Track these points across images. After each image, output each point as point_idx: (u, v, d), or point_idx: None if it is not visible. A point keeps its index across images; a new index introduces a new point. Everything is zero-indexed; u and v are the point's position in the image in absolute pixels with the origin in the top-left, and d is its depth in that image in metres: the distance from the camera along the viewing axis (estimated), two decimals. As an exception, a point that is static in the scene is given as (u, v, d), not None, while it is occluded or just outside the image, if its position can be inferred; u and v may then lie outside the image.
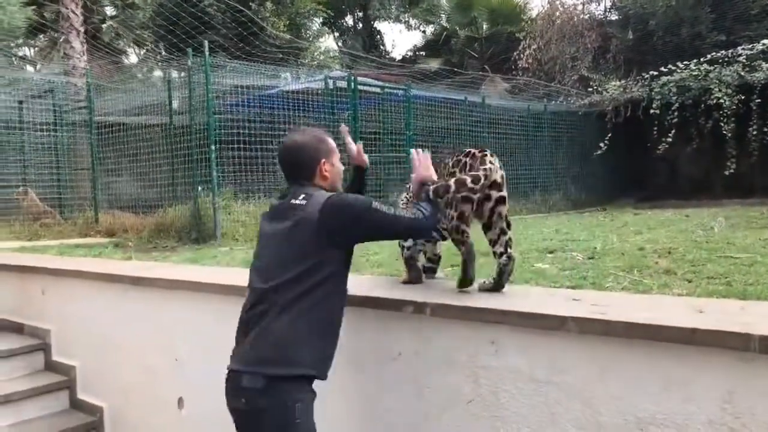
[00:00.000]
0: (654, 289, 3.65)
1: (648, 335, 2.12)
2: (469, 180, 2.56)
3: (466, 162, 2.75)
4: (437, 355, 2.68)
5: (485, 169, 2.61)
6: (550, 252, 5.63)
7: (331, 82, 10.28)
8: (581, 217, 11.15)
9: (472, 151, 2.78)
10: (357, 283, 3.33)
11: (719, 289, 3.53)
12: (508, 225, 2.76)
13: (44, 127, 10.60)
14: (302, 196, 2.45)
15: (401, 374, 2.78)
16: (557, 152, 15.48)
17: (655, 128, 13.73)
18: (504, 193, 2.73)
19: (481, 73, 17.25)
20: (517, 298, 2.71)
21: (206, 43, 8.00)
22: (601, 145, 14.12)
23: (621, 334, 2.18)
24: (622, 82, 15.02)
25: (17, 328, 5.25)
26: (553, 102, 15.81)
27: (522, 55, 17.40)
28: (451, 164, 2.85)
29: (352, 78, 10.12)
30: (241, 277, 3.87)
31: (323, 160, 2.60)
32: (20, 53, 27.01)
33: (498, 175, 2.70)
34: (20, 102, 10.90)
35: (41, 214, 9.60)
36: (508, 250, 2.72)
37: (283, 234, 2.42)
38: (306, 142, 2.62)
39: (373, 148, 11.15)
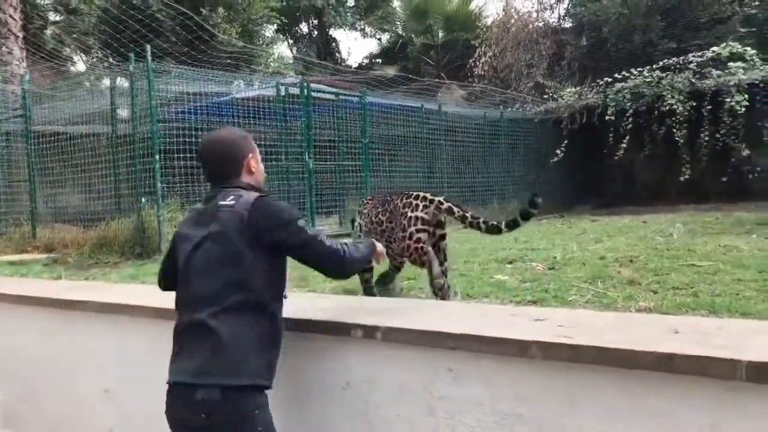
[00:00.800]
0: (619, 302, 3.47)
1: (621, 362, 1.89)
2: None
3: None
4: (390, 384, 2.41)
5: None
6: (510, 262, 5.45)
7: (283, 88, 9.96)
8: (539, 224, 11.06)
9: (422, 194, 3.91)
10: (302, 304, 3.05)
11: (687, 301, 3.37)
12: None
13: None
14: (231, 197, 2.34)
15: (349, 406, 2.50)
16: (514, 159, 15.45)
17: (611, 135, 13.81)
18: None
19: (437, 80, 17.13)
20: (477, 319, 2.46)
21: (149, 48, 7.62)
22: (558, 152, 14.14)
23: (590, 360, 1.95)
24: (578, 88, 15.08)
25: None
26: (510, 109, 15.80)
27: (478, 62, 17.36)
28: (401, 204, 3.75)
29: (305, 84, 9.82)
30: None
31: (250, 155, 2.51)
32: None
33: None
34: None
35: (-28, 230, 9.01)
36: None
37: (213, 238, 2.29)
38: (231, 137, 2.55)
39: (329, 156, 10.86)
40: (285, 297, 2.43)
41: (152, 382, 3.23)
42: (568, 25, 18.93)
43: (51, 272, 6.08)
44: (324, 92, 11.25)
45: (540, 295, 3.74)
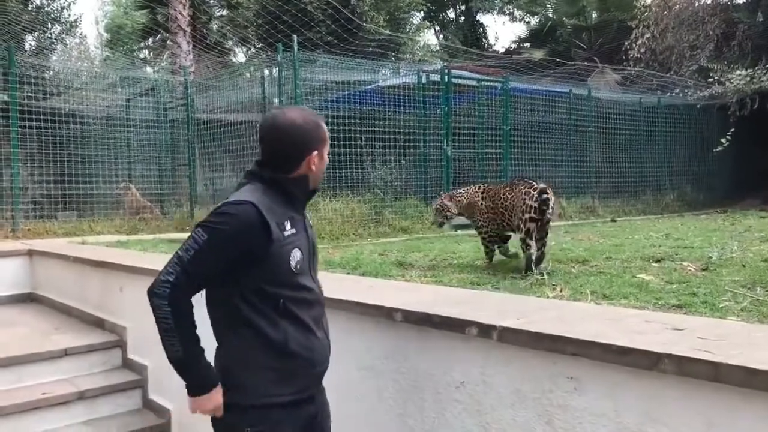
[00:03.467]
0: (782, 312, 3.05)
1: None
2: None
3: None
4: (506, 387, 2.27)
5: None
6: (657, 261, 5.01)
7: (424, 76, 9.92)
8: (697, 219, 10.18)
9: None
10: (420, 296, 2.98)
11: None
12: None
13: (148, 124, 10.95)
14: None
15: (463, 406, 2.39)
16: (672, 149, 14.36)
17: (787, 122, 12.35)
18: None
19: (587, 63, 16.25)
20: (606, 324, 2.25)
21: (295, 38, 7.89)
22: (722, 140, 12.85)
23: (735, 381, 1.70)
24: (749, 71, 13.60)
25: (99, 323, 5.30)
26: (668, 94, 14.65)
27: (634, 45, 16.22)
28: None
29: (446, 71, 9.71)
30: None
31: (315, 152, 2.12)
32: (141, 55, 28.68)
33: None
34: (127, 100, 11.34)
35: (141, 209, 9.90)
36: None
37: None
38: (301, 123, 2.10)
39: (469, 144, 10.70)
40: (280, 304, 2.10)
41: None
42: (740, 0, 17.13)
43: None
44: (465, 78, 11.06)
45: (686, 299, 3.37)
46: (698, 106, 14.10)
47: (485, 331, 2.30)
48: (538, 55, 19.02)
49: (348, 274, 4.78)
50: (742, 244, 5.78)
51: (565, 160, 12.58)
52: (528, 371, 2.20)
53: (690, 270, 4.52)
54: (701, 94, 14.18)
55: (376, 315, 2.74)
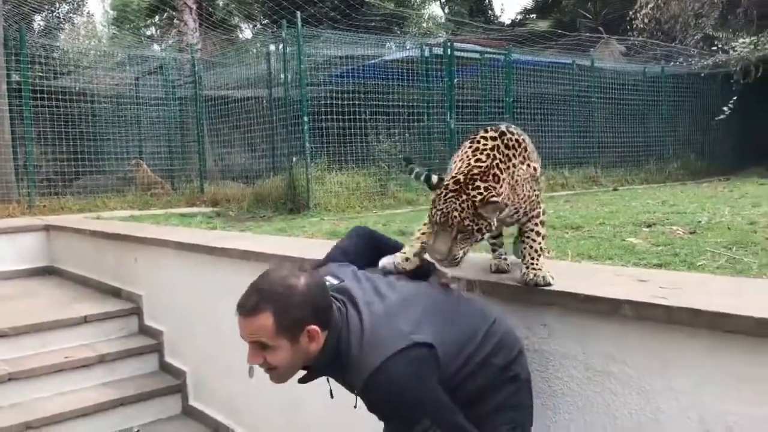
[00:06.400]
0: (754, 269, 3.24)
1: (713, 325, 1.84)
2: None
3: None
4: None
5: None
6: (648, 226, 5.20)
7: (427, 49, 10.04)
8: (698, 187, 10.31)
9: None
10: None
11: (834, 271, 3.08)
12: None
13: (157, 101, 11.16)
14: None
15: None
16: (676, 118, 14.40)
17: (791, 89, 12.36)
18: None
19: (589, 34, 16.23)
20: (579, 277, 2.46)
21: (299, 14, 8.02)
22: (725, 108, 12.91)
23: (685, 322, 1.91)
24: (753, 38, 13.58)
25: (115, 292, 5.58)
26: (672, 64, 14.64)
27: (638, 14, 16.17)
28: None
29: (449, 44, 9.82)
30: (308, 248, 3.85)
31: (314, 327, 1.83)
32: (148, 32, 28.75)
33: None
34: (136, 78, 11.54)
35: (152, 185, 10.17)
36: None
37: None
38: (301, 289, 1.82)
39: (472, 116, 10.84)
40: None
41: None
42: (747, -34, 16.97)
43: (209, 223, 6.76)
44: (468, 51, 11.16)
45: (668, 259, 3.57)
46: (702, 75, 14.10)
47: (469, 286, 2.53)
48: (543, 26, 19.00)
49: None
50: (733, 209, 5.96)
51: (568, 130, 12.68)
52: (508, 319, 2.42)
53: (678, 233, 4.71)
54: (705, 63, 14.17)
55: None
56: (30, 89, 9.11)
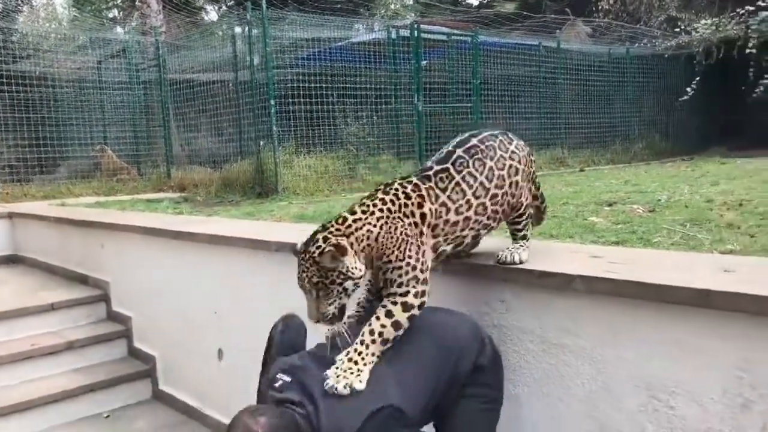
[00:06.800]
0: (705, 245, 3.37)
1: (658, 297, 1.93)
2: None
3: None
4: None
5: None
6: (609, 205, 5.33)
7: (393, 31, 10.03)
8: (662, 167, 10.53)
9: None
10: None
11: (779, 245, 3.21)
12: None
13: (120, 85, 10.98)
14: None
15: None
16: (641, 99, 14.63)
17: (752, 70, 12.63)
18: None
19: (554, 16, 16.32)
20: (536, 255, 2.54)
21: (263, -5, 7.95)
22: (688, 89, 13.17)
23: (631, 294, 2.00)
24: (715, 20, 13.83)
25: (83, 279, 5.55)
26: (637, 45, 14.84)
27: (604, -4, 16.37)
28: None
29: (415, 26, 9.83)
30: (273, 231, 3.88)
31: None
32: (110, 15, 28.09)
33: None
34: (99, 62, 11.32)
35: (118, 171, 10.04)
36: None
37: None
38: None
39: (440, 99, 10.89)
40: None
41: (253, 305, 3.63)
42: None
43: (176, 208, 6.73)
44: (435, 33, 11.18)
45: (625, 236, 3.69)
46: (666, 56, 14.33)
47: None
48: (510, 7, 19.06)
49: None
50: (692, 188, 6.13)
51: (535, 112, 12.81)
52: (466, 296, 2.49)
53: (638, 212, 4.84)
54: (669, 44, 14.40)
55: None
56: (-12, 74, 8.91)
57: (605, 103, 14.01)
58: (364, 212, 2.04)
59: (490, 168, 2.21)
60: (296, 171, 8.43)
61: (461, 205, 2.16)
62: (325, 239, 1.96)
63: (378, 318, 2.00)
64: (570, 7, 17.79)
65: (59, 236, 6.07)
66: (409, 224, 2.07)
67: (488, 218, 2.24)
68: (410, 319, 2.03)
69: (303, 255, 2.00)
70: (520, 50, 12.40)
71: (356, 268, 1.98)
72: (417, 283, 2.03)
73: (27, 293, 5.34)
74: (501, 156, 2.26)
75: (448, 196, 2.14)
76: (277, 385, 1.99)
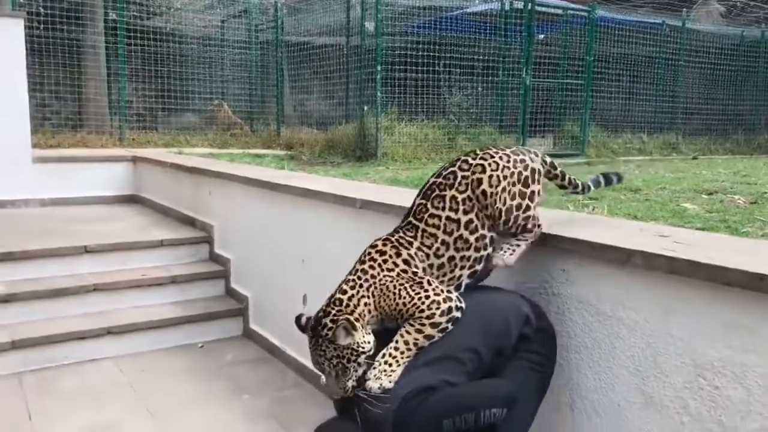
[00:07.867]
0: (797, 239, 3.24)
1: (711, 277, 1.95)
2: None
3: None
4: (511, 279, 2.67)
5: None
6: (710, 193, 5.14)
7: (507, 3, 9.91)
8: (785, 160, 9.85)
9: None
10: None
11: None
12: None
13: (240, 45, 11.55)
14: None
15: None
16: (773, 87, 13.62)
17: None
18: None
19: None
20: (605, 230, 2.58)
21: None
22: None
23: (685, 273, 2.03)
24: None
25: (191, 221, 6.04)
26: (775, 28, 13.78)
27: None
28: None
29: (530, -1, 9.66)
30: (362, 189, 4.09)
31: None
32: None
33: None
34: (222, 21, 11.95)
35: (232, 126, 10.65)
36: None
37: None
38: None
39: (550, 74, 10.67)
40: None
41: (336, 256, 3.87)
42: None
43: (279, 164, 7.12)
44: (550, 6, 10.91)
45: (714, 224, 3.58)
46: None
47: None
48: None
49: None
50: (809, 183, 5.76)
51: (651, 94, 12.27)
52: (529, 264, 2.58)
53: (738, 202, 4.65)
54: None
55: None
56: (125, 28, 9.65)
57: (732, 89, 13.18)
58: (353, 287, 2.18)
59: (452, 197, 2.27)
60: (396, 137, 8.61)
61: (438, 249, 2.26)
62: (333, 321, 2.11)
63: (409, 332, 2.13)
64: (704, -16, 16.69)
65: (173, 181, 6.61)
66: (397, 274, 2.19)
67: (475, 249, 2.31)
68: (442, 331, 2.15)
69: (316, 340, 2.13)
70: (642, 28, 11.86)
71: (366, 342, 2.13)
72: (438, 305, 2.14)
73: (141, 230, 5.89)
74: (462, 178, 2.28)
75: (421, 242, 2.25)
76: None
